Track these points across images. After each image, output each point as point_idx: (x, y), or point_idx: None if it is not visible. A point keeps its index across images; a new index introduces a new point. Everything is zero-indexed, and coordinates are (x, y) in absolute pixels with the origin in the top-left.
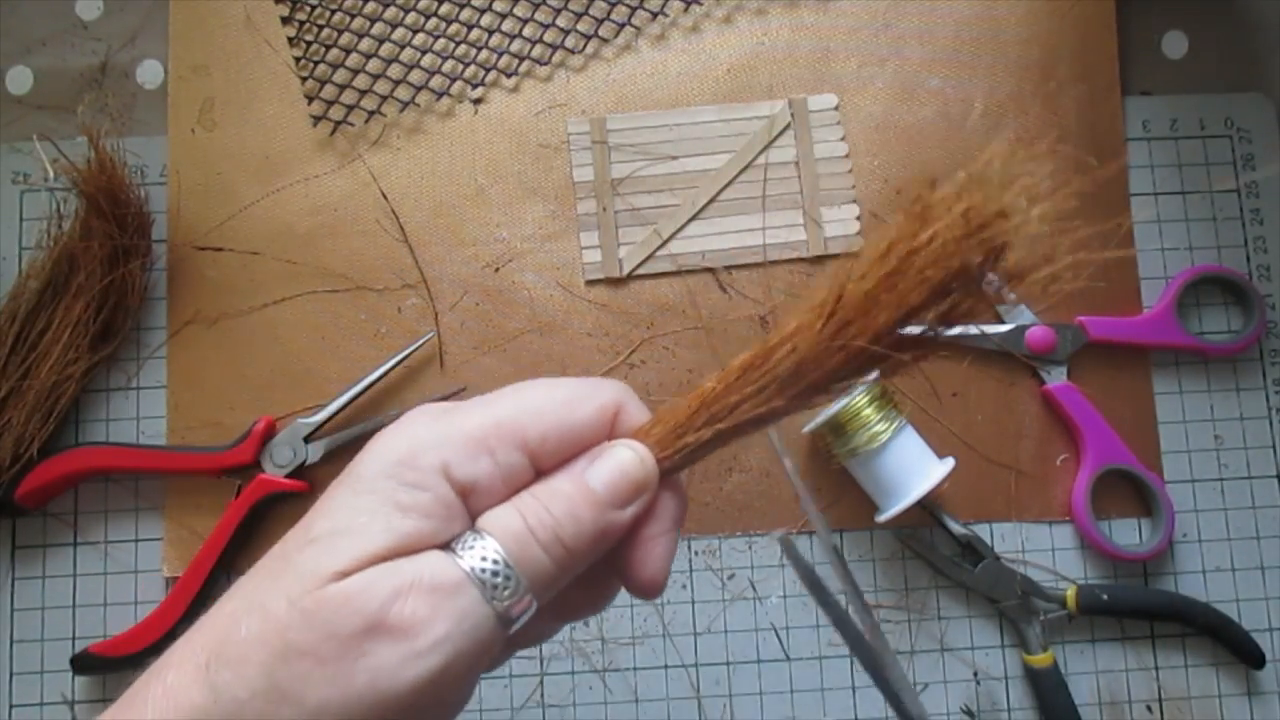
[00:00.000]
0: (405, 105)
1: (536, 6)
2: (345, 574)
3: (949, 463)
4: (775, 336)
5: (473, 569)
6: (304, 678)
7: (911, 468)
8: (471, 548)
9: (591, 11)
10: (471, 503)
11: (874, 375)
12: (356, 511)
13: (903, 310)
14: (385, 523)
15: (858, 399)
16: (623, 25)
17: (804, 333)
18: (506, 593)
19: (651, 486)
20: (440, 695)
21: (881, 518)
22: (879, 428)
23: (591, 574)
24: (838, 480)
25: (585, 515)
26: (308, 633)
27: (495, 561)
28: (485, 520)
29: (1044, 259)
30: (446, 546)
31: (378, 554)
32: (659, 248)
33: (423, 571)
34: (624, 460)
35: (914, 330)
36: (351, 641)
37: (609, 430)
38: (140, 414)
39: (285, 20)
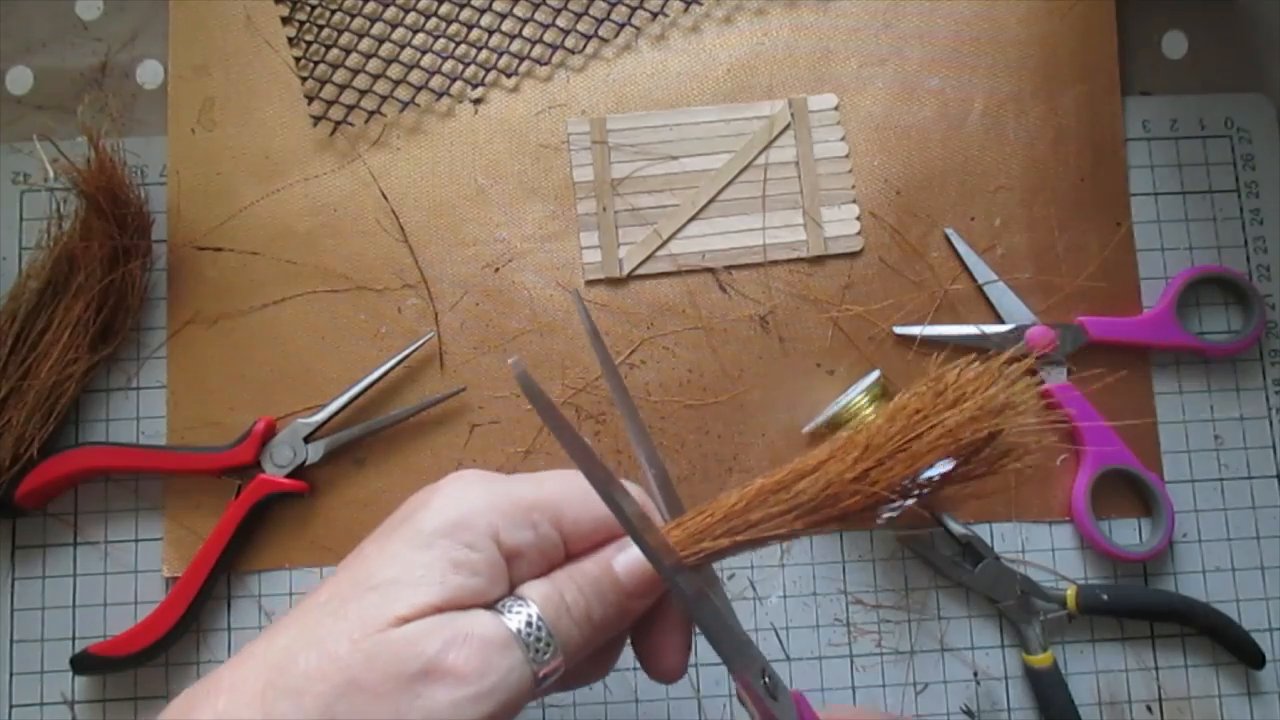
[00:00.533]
0: (405, 105)
1: (536, 6)
2: (406, 620)
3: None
4: (799, 467)
5: (518, 630)
6: (361, 712)
7: None
8: (516, 612)
9: (591, 11)
10: (512, 569)
11: (875, 375)
12: (415, 565)
13: (916, 468)
14: (442, 577)
15: (858, 398)
16: (623, 25)
17: (829, 470)
18: (545, 655)
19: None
20: None
21: (881, 518)
22: None
23: (598, 651)
24: None
25: (610, 598)
26: (369, 671)
27: (538, 626)
28: (526, 589)
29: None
30: (492, 607)
31: (435, 605)
32: (659, 248)
33: (476, 626)
34: (641, 554)
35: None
36: (410, 682)
37: None
38: (140, 414)
39: (285, 20)
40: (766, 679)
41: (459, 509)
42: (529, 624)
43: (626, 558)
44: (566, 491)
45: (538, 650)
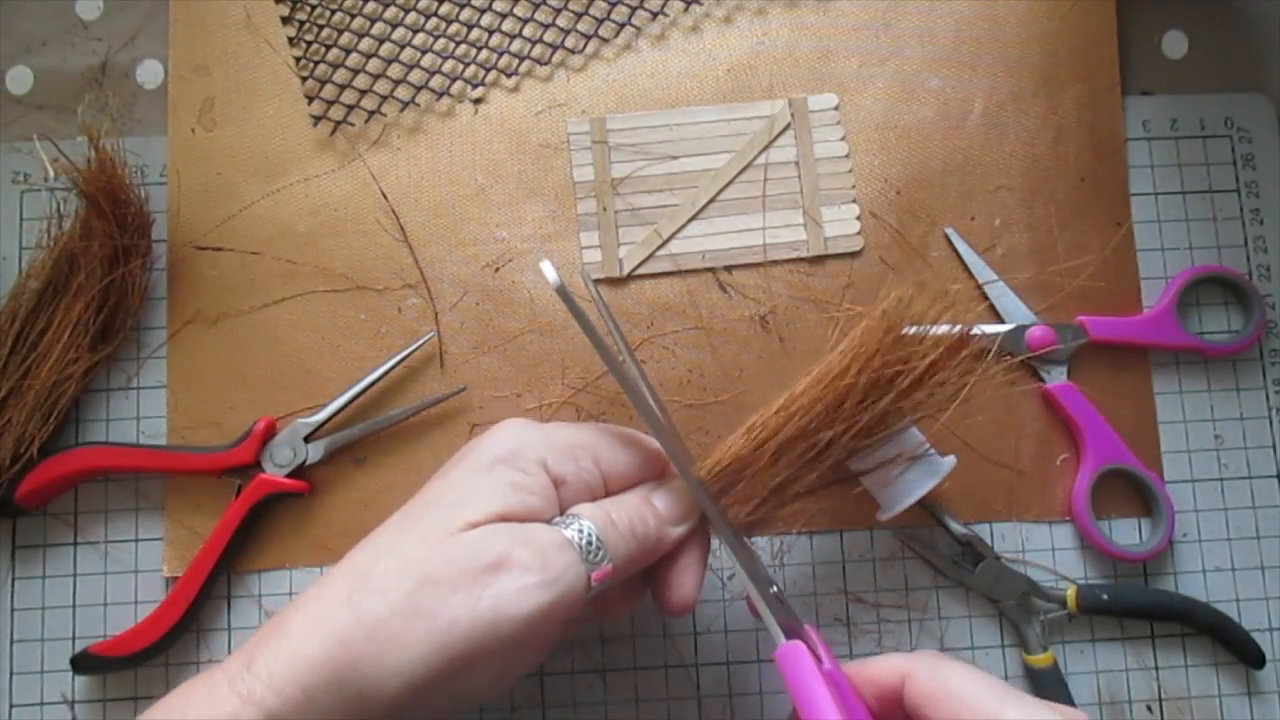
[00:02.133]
0: (405, 105)
1: (536, 6)
2: (474, 525)
3: (950, 461)
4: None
5: (572, 538)
6: (439, 600)
7: (914, 466)
8: (569, 525)
9: (591, 11)
10: (560, 495)
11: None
12: (479, 485)
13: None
14: (503, 494)
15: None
16: (623, 25)
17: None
18: (597, 558)
19: (695, 514)
20: (538, 632)
21: (884, 516)
22: None
23: (628, 584)
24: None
25: (650, 521)
26: (444, 566)
27: (589, 536)
28: (578, 509)
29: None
30: (548, 523)
31: (499, 514)
32: (659, 248)
33: (536, 532)
34: (676, 490)
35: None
36: (481, 574)
37: (662, 473)
38: (140, 414)
39: (285, 20)
40: (776, 589)
41: (513, 441)
42: (581, 533)
43: (665, 489)
44: (603, 437)
45: (590, 555)
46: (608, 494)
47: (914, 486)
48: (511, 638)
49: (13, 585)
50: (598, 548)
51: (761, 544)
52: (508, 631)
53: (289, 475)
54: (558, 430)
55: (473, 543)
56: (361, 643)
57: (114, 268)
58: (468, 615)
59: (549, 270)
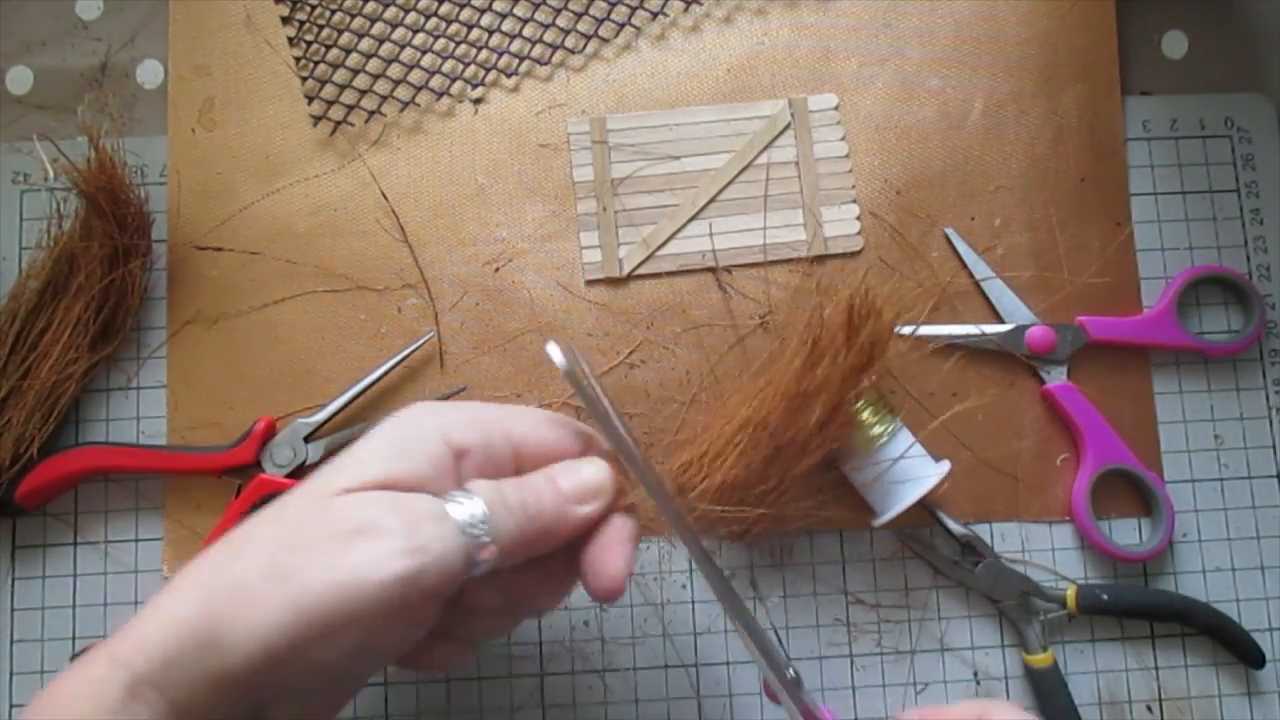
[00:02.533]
0: (405, 105)
1: (536, 6)
2: (350, 490)
3: (945, 465)
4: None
5: (453, 511)
6: (300, 563)
7: (908, 471)
8: (456, 498)
9: (591, 11)
10: (461, 467)
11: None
12: (366, 450)
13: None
14: (388, 460)
15: (854, 404)
16: (623, 25)
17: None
18: (479, 534)
19: (607, 493)
20: (403, 603)
21: (878, 522)
22: (875, 432)
23: (548, 571)
24: (836, 479)
25: (547, 500)
26: (310, 530)
27: (475, 511)
28: (471, 485)
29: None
30: (436, 495)
31: (379, 482)
32: (659, 248)
33: (411, 501)
34: (585, 468)
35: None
36: (344, 538)
37: (582, 453)
38: (140, 414)
39: (285, 20)
40: (793, 672)
41: (415, 413)
42: (463, 505)
43: (569, 467)
44: (523, 414)
45: (472, 530)
46: (519, 472)
47: (908, 492)
48: (371, 606)
49: (13, 585)
50: (482, 523)
51: (762, 544)
52: (366, 598)
53: (289, 475)
54: (470, 405)
55: (342, 508)
56: (222, 603)
57: (114, 268)
58: (325, 580)
59: (555, 353)
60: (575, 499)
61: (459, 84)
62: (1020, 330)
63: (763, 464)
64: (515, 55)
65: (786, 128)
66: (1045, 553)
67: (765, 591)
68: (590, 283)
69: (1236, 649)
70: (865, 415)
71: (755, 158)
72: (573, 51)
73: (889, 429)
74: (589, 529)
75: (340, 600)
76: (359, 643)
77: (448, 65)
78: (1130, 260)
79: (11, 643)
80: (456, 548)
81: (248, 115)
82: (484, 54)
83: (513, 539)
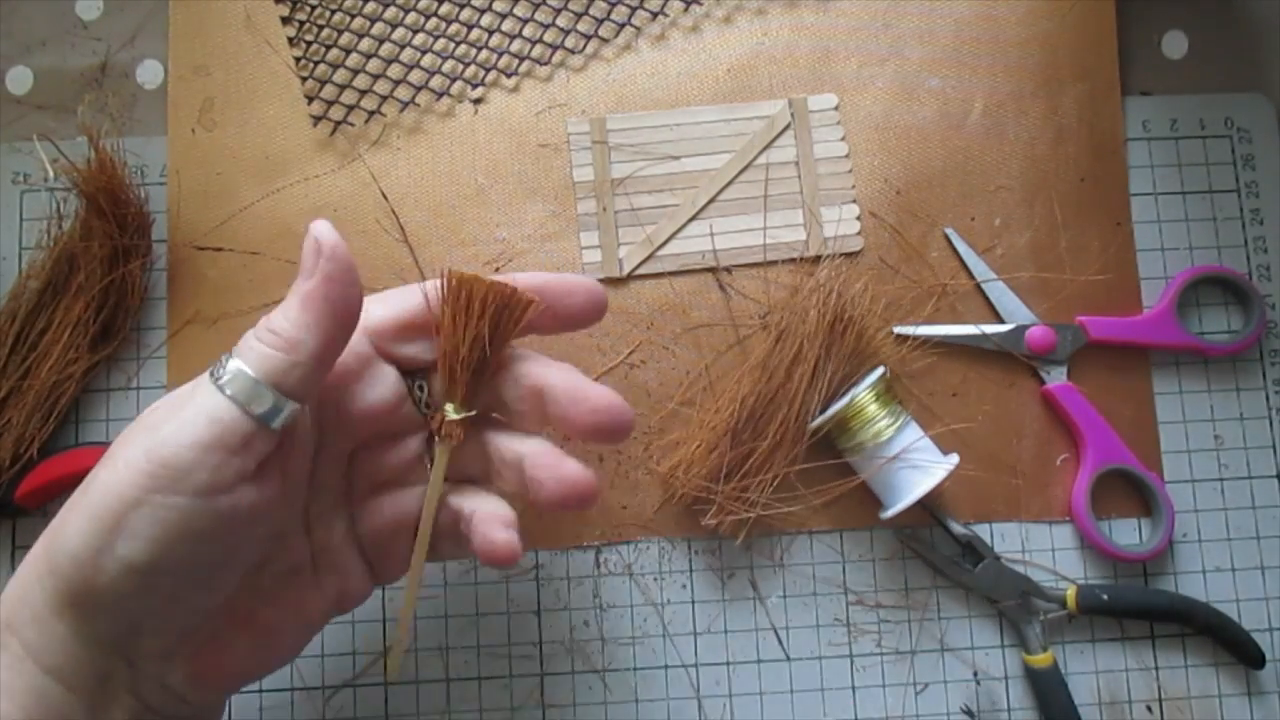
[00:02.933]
0: (405, 105)
1: (536, 6)
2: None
3: (953, 458)
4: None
5: (214, 376)
6: (116, 456)
7: (916, 463)
8: (221, 368)
9: (591, 11)
10: None
11: (879, 371)
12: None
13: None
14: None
15: (862, 395)
16: (623, 25)
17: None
18: (225, 381)
19: (342, 257)
20: (205, 474)
21: (886, 514)
22: (883, 423)
23: (395, 543)
24: (838, 476)
25: (292, 305)
26: (127, 446)
27: (225, 365)
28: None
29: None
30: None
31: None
32: (659, 248)
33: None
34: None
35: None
36: (152, 423)
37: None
38: (140, 414)
39: (285, 20)
40: None
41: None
42: (220, 366)
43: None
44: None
45: (223, 382)
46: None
47: (917, 484)
48: (170, 479)
49: None
50: (234, 375)
51: (762, 544)
52: (165, 474)
53: None
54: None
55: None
56: (60, 518)
57: (114, 268)
58: (130, 461)
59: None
60: (308, 273)
61: (459, 84)
62: (1020, 330)
63: (741, 456)
64: (515, 55)
65: (786, 128)
66: (1045, 553)
67: (765, 591)
68: None
69: (1236, 649)
70: (872, 408)
71: (755, 158)
72: (573, 51)
73: (897, 422)
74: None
75: (146, 478)
76: (180, 523)
77: (448, 65)
78: (1130, 260)
79: None
80: (216, 406)
81: (248, 115)
82: (484, 54)
83: (276, 367)
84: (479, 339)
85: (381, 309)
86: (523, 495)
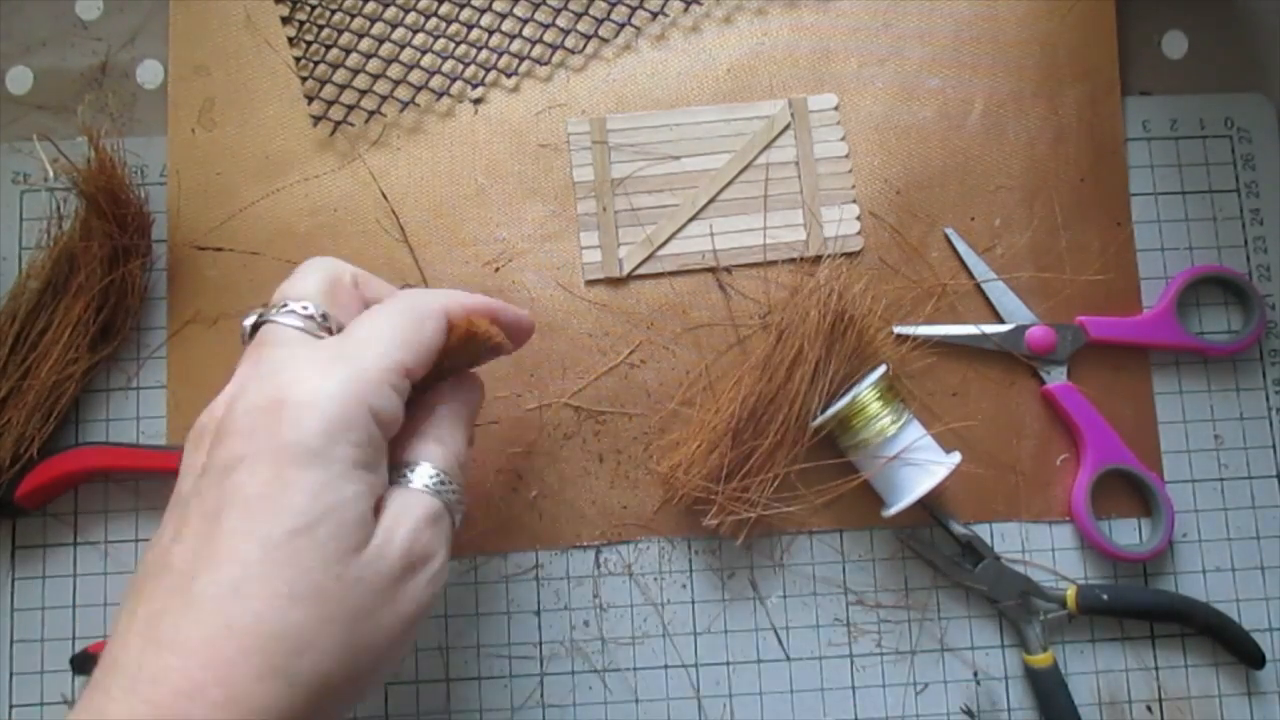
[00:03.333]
0: (405, 105)
1: (536, 6)
2: (363, 547)
3: (955, 456)
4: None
5: (437, 494)
6: (371, 633)
7: (919, 461)
8: (417, 474)
9: (591, 11)
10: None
11: (882, 369)
12: (332, 490)
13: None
14: (359, 488)
15: (865, 393)
16: (623, 25)
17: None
18: (454, 498)
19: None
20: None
21: (889, 512)
22: (886, 421)
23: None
24: (838, 476)
25: (466, 429)
26: (366, 596)
27: (442, 480)
28: (416, 454)
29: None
30: (393, 482)
31: (368, 512)
32: (659, 248)
33: (415, 509)
34: (475, 392)
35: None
36: (397, 581)
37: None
38: (140, 414)
39: (285, 20)
40: None
41: (335, 404)
42: (433, 479)
43: (463, 390)
44: (399, 339)
45: (450, 502)
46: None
47: (919, 482)
48: (420, 620)
49: (13, 585)
50: (453, 490)
51: (762, 544)
52: (420, 618)
53: None
54: (365, 357)
55: (377, 556)
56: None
57: (114, 268)
58: (391, 627)
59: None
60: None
61: (459, 84)
62: (1020, 330)
63: (742, 456)
64: (515, 55)
65: (786, 128)
66: (1045, 553)
67: (765, 591)
68: (590, 283)
69: (1236, 649)
70: (875, 405)
71: (755, 158)
72: (573, 51)
73: (900, 420)
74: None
75: (400, 630)
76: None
77: (448, 65)
78: (1130, 260)
79: (11, 643)
80: (449, 526)
81: (248, 115)
82: (484, 54)
83: (466, 480)
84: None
85: (413, 355)
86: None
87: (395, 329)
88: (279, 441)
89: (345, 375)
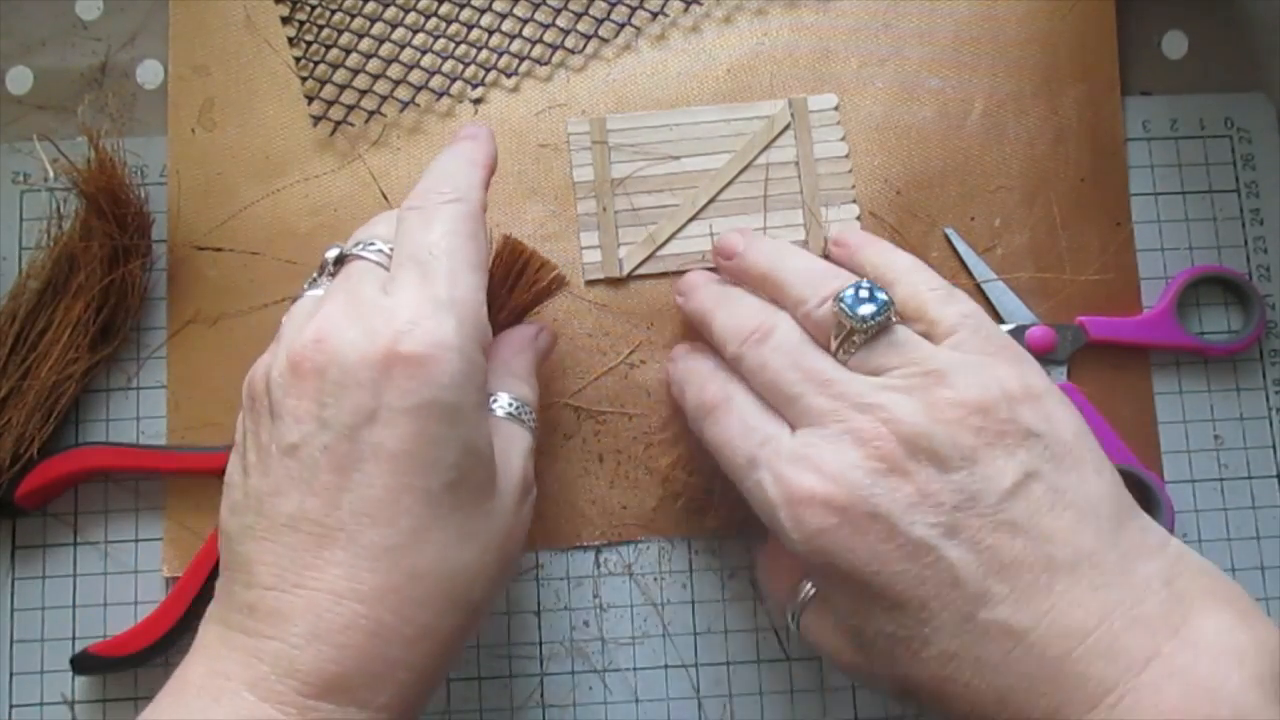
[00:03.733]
0: (405, 105)
1: (536, 6)
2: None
3: None
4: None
5: (523, 423)
6: (513, 550)
7: None
8: (503, 405)
9: (591, 11)
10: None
11: None
12: (472, 438)
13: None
14: (487, 428)
15: None
16: (623, 25)
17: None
18: (534, 425)
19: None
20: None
21: None
22: None
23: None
24: None
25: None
26: (506, 522)
27: (522, 408)
28: (508, 388)
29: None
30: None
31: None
32: (659, 248)
33: (517, 441)
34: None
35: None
36: (519, 505)
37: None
38: (140, 414)
39: (285, 20)
40: None
41: (457, 358)
42: (514, 406)
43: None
44: (471, 280)
45: (532, 424)
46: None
47: None
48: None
49: (13, 585)
50: (524, 406)
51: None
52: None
53: None
54: (461, 306)
55: (504, 491)
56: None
57: (114, 268)
58: (519, 547)
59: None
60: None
61: (459, 84)
62: (1020, 330)
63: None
64: (515, 55)
65: (786, 128)
66: None
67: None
68: (590, 283)
69: None
70: None
71: (755, 158)
72: (573, 51)
73: None
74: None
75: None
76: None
77: (448, 65)
78: (1130, 260)
79: (11, 643)
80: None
81: (248, 115)
82: (484, 54)
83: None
84: (516, 308)
85: (483, 274)
86: None
87: (467, 252)
88: (413, 399)
89: (457, 320)
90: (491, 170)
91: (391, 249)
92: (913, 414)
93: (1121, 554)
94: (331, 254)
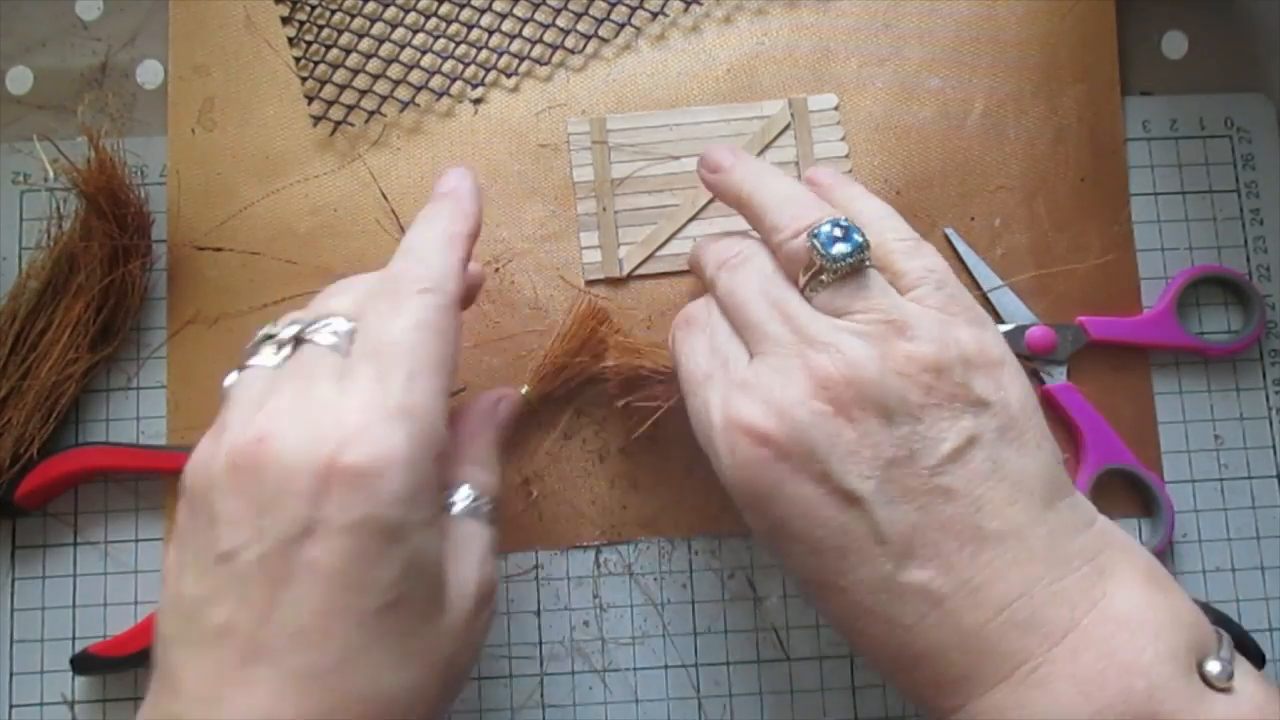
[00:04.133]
0: (405, 105)
1: (536, 6)
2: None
3: None
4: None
5: (481, 517)
6: (465, 664)
7: None
8: (462, 499)
9: (591, 11)
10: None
11: None
12: (416, 556)
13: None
14: (436, 541)
15: None
16: (623, 25)
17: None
18: (495, 516)
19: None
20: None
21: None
22: None
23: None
24: None
25: (495, 445)
26: (456, 638)
27: (482, 500)
28: (453, 475)
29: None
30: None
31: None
32: (659, 248)
33: (474, 542)
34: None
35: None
36: (475, 616)
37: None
38: (140, 414)
39: (285, 20)
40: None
41: (407, 473)
42: (472, 499)
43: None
44: (431, 362)
45: (494, 516)
46: None
47: None
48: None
49: (13, 585)
50: (483, 499)
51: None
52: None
53: None
54: (418, 397)
55: (455, 603)
56: None
57: (114, 268)
58: (473, 658)
59: None
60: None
61: (459, 84)
62: (1020, 330)
63: None
64: (515, 55)
65: (786, 128)
66: None
67: (765, 591)
68: (590, 283)
69: (1237, 649)
70: None
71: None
72: (573, 51)
73: None
74: None
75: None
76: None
77: (448, 65)
78: (1130, 260)
79: (11, 643)
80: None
81: (248, 115)
82: (484, 54)
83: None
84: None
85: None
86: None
87: (433, 351)
88: (351, 515)
89: (409, 430)
90: (474, 238)
91: (350, 329)
92: (867, 360)
93: (1049, 529)
94: (288, 332)
